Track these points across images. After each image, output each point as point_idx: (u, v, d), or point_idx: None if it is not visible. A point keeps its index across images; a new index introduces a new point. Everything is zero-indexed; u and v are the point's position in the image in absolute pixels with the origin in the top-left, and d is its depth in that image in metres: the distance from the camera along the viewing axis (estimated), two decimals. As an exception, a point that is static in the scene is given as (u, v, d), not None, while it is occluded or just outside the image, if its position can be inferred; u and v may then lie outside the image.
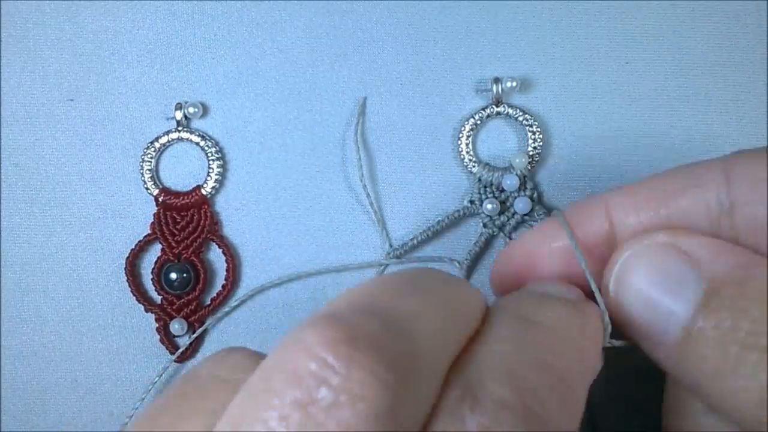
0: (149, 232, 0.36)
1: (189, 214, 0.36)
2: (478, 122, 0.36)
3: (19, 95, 0.36)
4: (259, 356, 0.23)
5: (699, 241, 0.24)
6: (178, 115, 0.36)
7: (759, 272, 0.22)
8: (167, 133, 0.36)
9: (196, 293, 0.36)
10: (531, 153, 0.36)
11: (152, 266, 0.36)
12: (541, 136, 0.36)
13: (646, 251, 0.24)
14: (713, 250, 0.23)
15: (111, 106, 0.36)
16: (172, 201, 0.36)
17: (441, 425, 0.20)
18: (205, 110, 0.36)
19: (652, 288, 0.24)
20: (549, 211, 0.36)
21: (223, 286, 0.36)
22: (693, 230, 0.24)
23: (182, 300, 0.36)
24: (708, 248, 0.23)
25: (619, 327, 0.25)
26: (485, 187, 0.36)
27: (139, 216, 0.36)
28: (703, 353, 0.22)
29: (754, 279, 0.22)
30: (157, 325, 0.36)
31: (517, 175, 0.35)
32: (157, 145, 0.36)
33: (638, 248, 0.24)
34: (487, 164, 0.36)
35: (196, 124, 0.37)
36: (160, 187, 0.36)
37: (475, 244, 0.36)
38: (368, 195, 0.36)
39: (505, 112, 0.36)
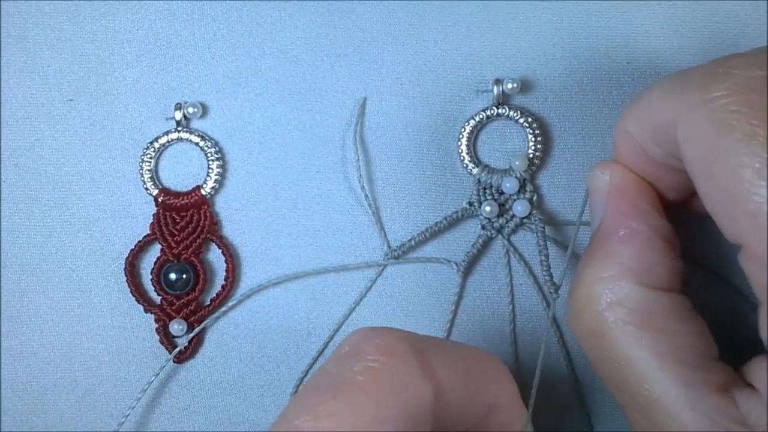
0: (149, 232, 0.36)
1: (189, 214, 0.36)
2: (479, 123, 0.36)
3: (19, 95, 0.36)
4: None
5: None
6: (178, 115, 0.36)
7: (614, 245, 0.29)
8: (167, 133, 0.36)
9: (196, 293, 0.36)
10: (531, 156, 0.36)
11: (152, 266, 0.36)
12: (541, 138, 0.36)
13: (593, 176, 0.31)
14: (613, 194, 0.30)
15: (111, 106, 0.36)
16: (172, 201, 0.36)
17: None
18: (204, 110, 0.36)
19: (589, 204, 0.31)
20: (547, 216, 0.36)
21: (223, 287, 0.36)
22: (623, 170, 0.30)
23: (182, 300, 0.36)
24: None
25: None
26: (484, 189, 0.36)
27: (139, 216, 0.36)
28: None
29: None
30: (156, 325, 0.36)
31: (516, 177, 0.35)
32: (156, 145, 0.36)
33: (592, 172, 0.31)
34: (486, 166, 0.36)
35: (195, 124, 0.37)
36: (160, 187, 0.36)
37: (473, 245, 0.35)
38: (367, 196, 0.36)
39: (506, 113, 0.36)
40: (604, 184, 0.30)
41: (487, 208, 0.35)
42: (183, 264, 0.36)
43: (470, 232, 0.36)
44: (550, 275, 0.34)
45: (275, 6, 0.36)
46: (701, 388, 0.26)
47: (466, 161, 0.36)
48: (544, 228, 0.35)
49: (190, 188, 0.36)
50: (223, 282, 0.36)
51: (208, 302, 0.36)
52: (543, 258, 0.34)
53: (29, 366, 0.36)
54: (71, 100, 0.36)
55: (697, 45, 0.36)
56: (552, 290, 0.33)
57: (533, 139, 0.36)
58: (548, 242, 0.35)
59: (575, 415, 0.36)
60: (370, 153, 0.36)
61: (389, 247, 0.36)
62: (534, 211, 0.35)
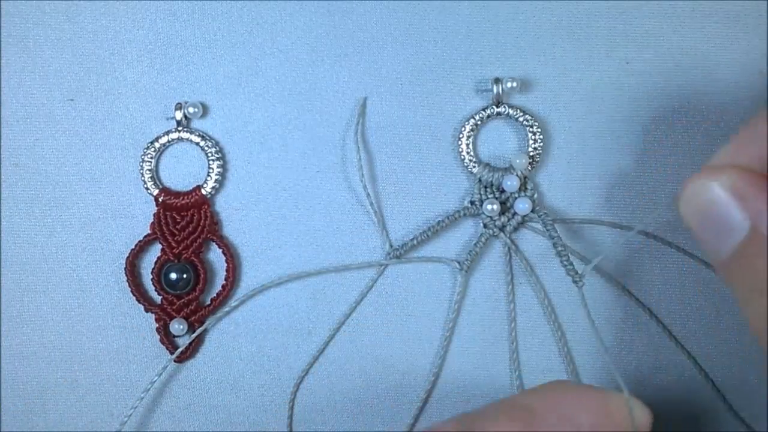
0: (149, 232, 0.36)
1: (189, 214, 0.36)
2: (479, 122, 0.36)
3: (19, 95, 0.36)
4: None
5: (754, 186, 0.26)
6: (178, 115, 0.36)
7: None
8: (167, 133, 0.36)
9: (196, 293, 0.36)
10: (531, 153, 0.36)
11: (152, 266, 0.36)
12: (541, 136, 0.36)
13: (702, 188, 0.27)
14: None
15: (111, 106, 0.36)
16: (172, 201, 0.36)
17: None
18: (205, 110, 0.36)
19: (703, 222, 0.27)
20: (550, 211, 0.36)
21: (223, 286, 0.36)
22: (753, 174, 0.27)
23: (182, 300, 0.36)
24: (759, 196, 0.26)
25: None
26: (485, 187, 0.36)
27: (139, 216, 0.36)
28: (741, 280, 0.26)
29: None
30: (157, 325, 0.36)
31: (517, 175, 0.35)
32: (157, 145, 0.36)
33: (698, 184, 0.27)
34: (487, 165, 0.36)
35: (196, 124, 0.37)
36: (160, 187, 0.36)
37: (475, 244, 0.36)
38: (368, 195, 0.36)
39: (506, 112, 0.36)
40: (727, 190, 0.27)
41: (490, 207, 0.35)
42: (183, 264, 0.36)
43: (470, 232, 0.36)
44: (571, 264, 0.34)
45: (275, 6, 0.36)
46: None
47: (466, 160, 0.36)
48: (553, 221, 0.35)
49: (191, 188, 0.36)
50: (224, 282, 0.36)
51: (208, 302, 0.36)
52: (561, 249, 0.34)
53: (29, 366, 0.36)
54: (71, 100, 0.36)
55: (697, 45, 0.36)
56: (576, 279, 0.33)
57: (533, 137, 0.36)
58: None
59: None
60: (370, 153, 0.36)
61: (391, 246, 0.36)
62: (537, 207, 0.35)
